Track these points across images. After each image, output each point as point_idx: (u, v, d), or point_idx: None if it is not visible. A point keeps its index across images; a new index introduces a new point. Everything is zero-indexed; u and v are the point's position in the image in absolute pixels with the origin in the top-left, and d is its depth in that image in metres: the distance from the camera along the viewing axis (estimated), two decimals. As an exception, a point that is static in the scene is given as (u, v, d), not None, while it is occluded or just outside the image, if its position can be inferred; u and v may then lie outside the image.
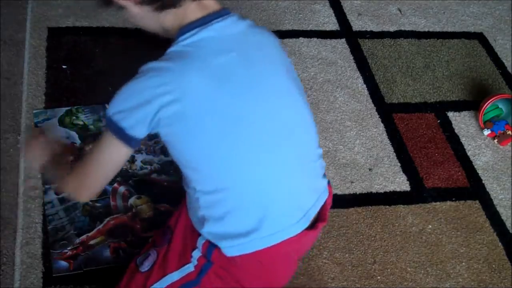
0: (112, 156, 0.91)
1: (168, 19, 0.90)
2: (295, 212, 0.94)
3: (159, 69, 0.85)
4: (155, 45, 1.64)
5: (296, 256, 1.06)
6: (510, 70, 1.83)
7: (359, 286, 1.21)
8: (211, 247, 0.95)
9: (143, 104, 0.84)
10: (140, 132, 0.87)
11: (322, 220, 0.98)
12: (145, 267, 1.00)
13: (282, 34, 1.74)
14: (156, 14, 0.90)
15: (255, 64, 0.90)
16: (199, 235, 0.97)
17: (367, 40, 1.80)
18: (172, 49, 0.88)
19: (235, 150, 0.88)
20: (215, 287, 0.98)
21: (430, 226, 1.36)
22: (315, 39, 1.75)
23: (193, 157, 0.90)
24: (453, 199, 1.43)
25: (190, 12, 0.89)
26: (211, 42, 0.88)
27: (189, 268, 0.97)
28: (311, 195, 0.97)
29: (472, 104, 1.69)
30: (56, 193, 1.20)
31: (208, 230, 0.93)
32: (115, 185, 1.24)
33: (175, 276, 0.97)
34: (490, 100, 1.59)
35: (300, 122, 0.96)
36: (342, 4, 1.90)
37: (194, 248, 0.98)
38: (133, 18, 0.94)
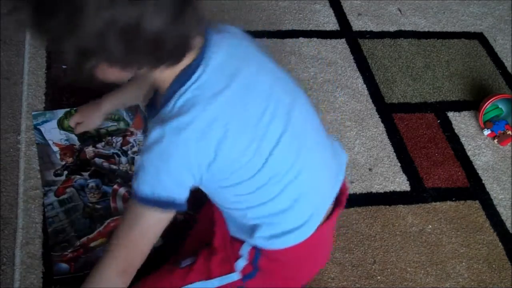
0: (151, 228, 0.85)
1: (168, 71, 0.78)
2: (330, 199, 0.97)
3: (199, 131, 0.77)
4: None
5: (332, 233, 1.07)
6: (510, 70, 1.83)
7: (359, 286, 1.21)
8: (257, 253, 0.95)
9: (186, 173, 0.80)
10: (185, 193, 0.83)
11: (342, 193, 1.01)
12: (185, 263, 1.00)
13: (282, 34, 1.74)
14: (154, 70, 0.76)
15: (261, 72, 0.87)
16: (241, 243, 0.96)
17: (367, 40, 1.80)
18: (183, 98, 0.77)
19: (273, 161, 0.86)
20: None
21: (430, 226, 1.36)
22: (315, 39, 1.75)
23: (238, 176, 0.86)
24: (453, 199, 1.43)
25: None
26: (217, 73, 0.80)
27: (233, 277, 0.97)
28: (339, 179, 1.01)
29: (472, 104, 1.69)
30: (56, 195, 1.20)
31: (261, 235, 0.92)
32: (115, 186, 1.23)
33: (215, 283, 0.97)
34: (490, 100, 1.59)
35: (309, 112, 0.97)
36: (342, 4, 1.90)
37: (237, 257, 0.97)
38: (113, 77, 0.77)
